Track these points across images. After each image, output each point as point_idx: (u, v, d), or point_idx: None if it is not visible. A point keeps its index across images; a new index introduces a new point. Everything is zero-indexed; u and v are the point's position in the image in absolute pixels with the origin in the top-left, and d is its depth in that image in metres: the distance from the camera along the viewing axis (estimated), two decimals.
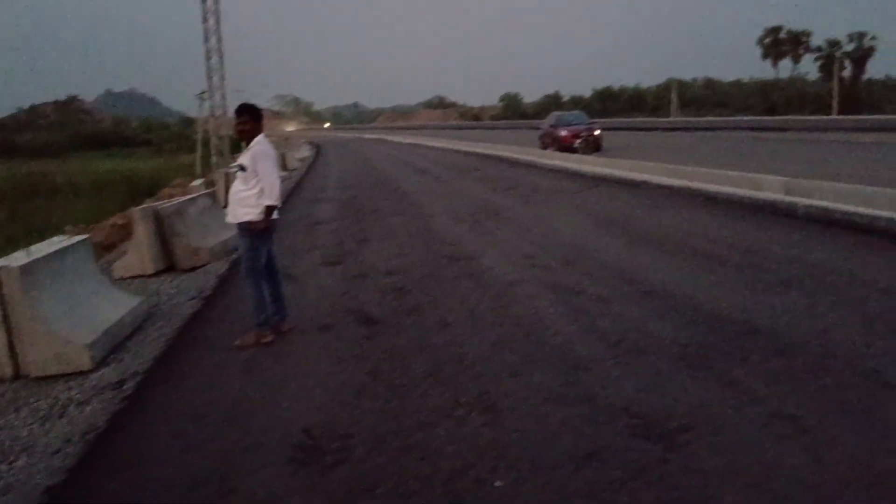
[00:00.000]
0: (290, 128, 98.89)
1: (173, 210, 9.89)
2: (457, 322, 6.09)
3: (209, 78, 34.32)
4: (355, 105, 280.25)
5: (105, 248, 13.53)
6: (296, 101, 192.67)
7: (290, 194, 18.94)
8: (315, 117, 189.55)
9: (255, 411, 4.51)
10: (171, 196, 18.28)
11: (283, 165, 29.79)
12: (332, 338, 5.93)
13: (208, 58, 34.05)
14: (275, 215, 5.93)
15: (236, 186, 5.85)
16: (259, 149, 5.74)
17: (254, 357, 5.57)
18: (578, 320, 5.91)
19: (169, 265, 9.66)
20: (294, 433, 4.10)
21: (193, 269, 9.53)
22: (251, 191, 5.72)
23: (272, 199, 5.74)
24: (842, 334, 5.16)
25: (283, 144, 45.23)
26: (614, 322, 5.79)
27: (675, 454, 3.53)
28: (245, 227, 5.80)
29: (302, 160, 38.21)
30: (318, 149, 54.43)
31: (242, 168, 5.74)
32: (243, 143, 5.98)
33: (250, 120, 5.79)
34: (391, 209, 14.26)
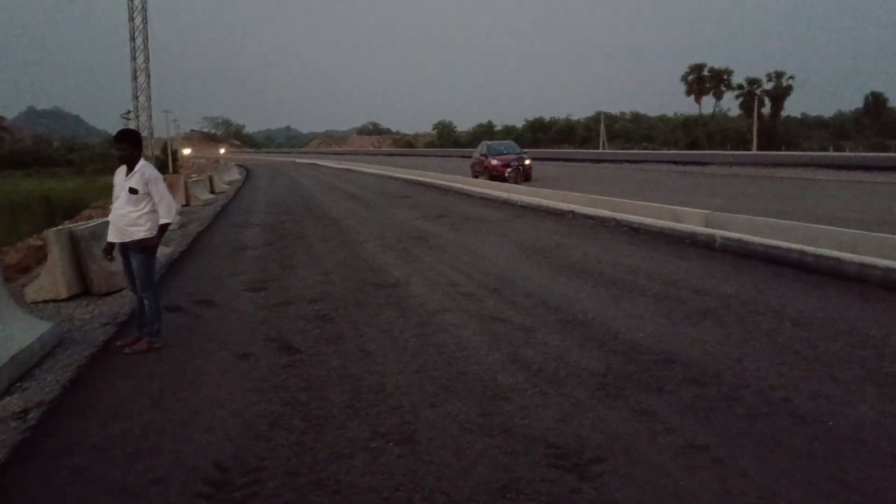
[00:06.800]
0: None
1: (89, 232, 9.53)
2: (379, 351, 6.03)
3: (135, 98, 33.57)
4: (288, 129, 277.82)
5: (20, 271, 12.95)
6: (226, 124, 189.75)
7: (215, 219, 18.55)
8: (246, 140, 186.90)
9: (163, 443, 4.33)
10: (90, 217, 17.68)
11: (210, 189, 29.23)
12: (249, 367, 5.77)
13: (135, 77, 33.31)
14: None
15: (124, 208, 6.25)
16: (151, 173, 6.26)
17: (165, 386, 5.38)
18: (501, 349, 5.92)
19: (84, 289, 9.29)
20: (203, 466, 3.96)
21: (109, 293, 9.19)
22: (142, 211, 6.23)
23: (170, 217, 6.35)
24: (754, 364, 5.31)
25: (210, 167, 44.39)
26: (536, 351, 5.82)
27: (588, 484, 3.54)
28: (140, 245, 6.26)
29: (230, 183, 37.53)
30: (248, 172, 53.66)
31: (133, 191, 6.18)
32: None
33: (129, 146, 6.24)
34: (319, 235, 14.10)
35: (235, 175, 47.11)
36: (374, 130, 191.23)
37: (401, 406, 4.73)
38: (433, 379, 5.25)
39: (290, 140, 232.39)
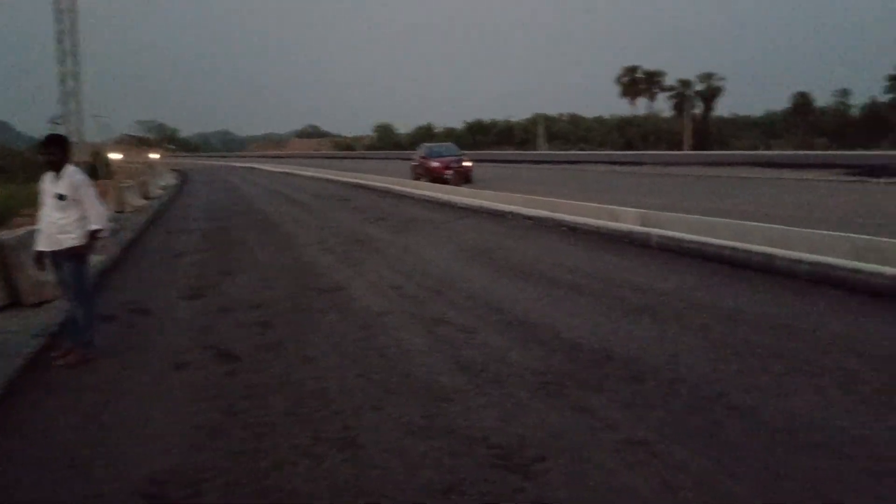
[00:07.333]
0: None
1: (17, 241, 9.17)
2: (321, 356, 5.97)
3: (64, 102, 32.52)
4: (225, 132, 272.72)
5: None
6: (160, 128, 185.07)
7: (150, 224, 18.10)
8: (181, 144, 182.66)
9: (99, 458, 4.20)
10: (20, 226, 17.03)
11: (145, 194, 28.52)
12: (187, 376, 5.65)
13: (63, 81, 32.27)
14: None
15: (53, 215, 6.06)
16: (80, 178, 6.11)
17: (100, 399, 5.22)
18: (443, 351, 5.94)
19: (13, 300, 8.93)
20: (141, 481, 3.85)
21: (40, 304, 8.87)
22: (71, 218, 6.04)
23: (100, 223, 6.16)
24: (690, 359, 5.44)
25: (144, 172, 43.28)
26: (478, 352, 5.85)
27: (531, 483, 3.58)
28: (71, 253, 6.06)
29: (165, 188, 36.67)
30: (183, 176, 52.55)
31: (61, 197, 5.99)
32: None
33: (57, 151, 6.11)
34: (258, 240, 13.90)
35: (170, 180, 46.03)
36: (314, 133, 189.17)
37: (343, 411, 4.70)
38: (376, 383, 5.23)
39: (227, 144, 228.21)
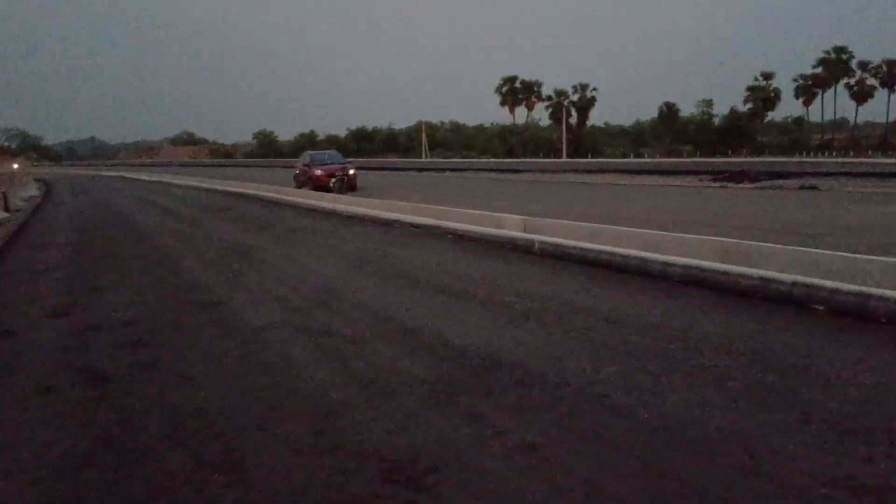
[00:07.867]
0: None
1: None
2: (200, 375, 5.70)
3: None
4: (92, 140, 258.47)
5: None
6: (21, 135, 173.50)
7: (11, 239, 16.86)
8: (45, 153, 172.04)
9: None
10: None
11: (6, 206, 26.62)
12: (53, 401, 5.25)
13: None
14: None
15: None
16: None
17: None
18: (331, 363, 5.80)
19: None
20: None
21: None
22: None
23: None
24: (574, 362, 5.55)
25: (5, 181, 40.44)
26: (367, 363, 5.76)
27: (422, 496, 3.53)
28: None
29: (27, 200, 34.38)
30: (48, 187, 49.49)
31: None
32: None
33: None
34: (131, 253, 13.21)
35: (33, 191, 43.31)
36: (190, 140, 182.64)
37: (225, 432, 4.49)
38: (260, 400, 5.03)
39: (95, 151, 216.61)
